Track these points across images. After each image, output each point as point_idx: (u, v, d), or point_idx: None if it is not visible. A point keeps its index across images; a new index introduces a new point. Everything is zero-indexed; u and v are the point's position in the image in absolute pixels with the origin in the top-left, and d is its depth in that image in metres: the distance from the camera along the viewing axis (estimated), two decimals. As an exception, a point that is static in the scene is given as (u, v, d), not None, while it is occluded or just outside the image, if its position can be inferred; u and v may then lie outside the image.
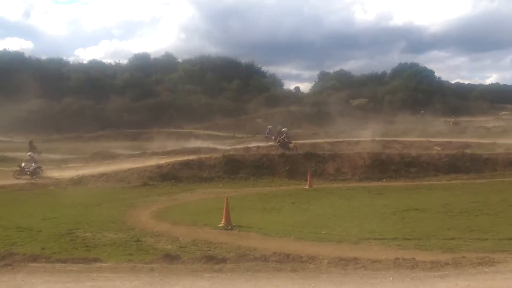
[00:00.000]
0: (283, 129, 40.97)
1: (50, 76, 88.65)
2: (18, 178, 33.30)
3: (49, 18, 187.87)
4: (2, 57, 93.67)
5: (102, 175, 33.12)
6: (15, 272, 12.54)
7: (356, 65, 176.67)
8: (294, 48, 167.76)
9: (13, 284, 11.49)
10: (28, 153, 37.04)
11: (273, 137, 44.77)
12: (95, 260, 13.70)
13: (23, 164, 34.95)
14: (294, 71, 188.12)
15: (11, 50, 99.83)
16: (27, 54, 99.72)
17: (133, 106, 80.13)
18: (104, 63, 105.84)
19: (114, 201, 25.55)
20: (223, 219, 19.15)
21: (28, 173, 34.50)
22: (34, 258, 13.77)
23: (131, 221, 20.63)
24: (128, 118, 74.50)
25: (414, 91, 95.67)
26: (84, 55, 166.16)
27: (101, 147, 50.23)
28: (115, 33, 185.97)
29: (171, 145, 49.41)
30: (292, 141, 39.86)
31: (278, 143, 39.10)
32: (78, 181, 31.72)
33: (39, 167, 35.45)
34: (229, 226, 18.95)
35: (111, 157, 43.12)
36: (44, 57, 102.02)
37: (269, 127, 49.83)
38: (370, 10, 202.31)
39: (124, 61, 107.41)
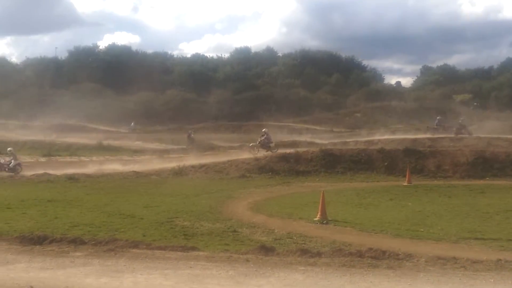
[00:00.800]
0: (263, 129, 39.43)
1: (155, 70, 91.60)
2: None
3: (155, 12, 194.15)
4: (111, 51, 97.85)
5: (201, 166, 33.89)
6: (118, 257, 13.12)
7: (461, 59, 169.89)
8: (397, 41, 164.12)
9: (115, 269, 12.04)
10: (8, 149, 33.63)
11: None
12: (193, 248, 14.08)
13: (1, 161, 32.73)
14: (395, 66, 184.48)
15: (120, 44, 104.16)
16: (134, 48, 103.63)
17: (233, 99, 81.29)
18: (206, 57, 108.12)
19: (212, 192, 26.05)
20: (319, 213, 19.08)
21: (7, 169, 32.24)
22: (136, 244, 14.35)
23: (228, 212, 20.97)
24: (229, 111, 75.71)
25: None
26: (187, 49, 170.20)
27: (202, 139, 51.37)
28: (218, 27, 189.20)
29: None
30: (272, 141, 38.43)
31: (259, 143, 37.81)
32: (178, 172, 32.60)
33: (18, 164, 32.89)
34: (324, 220, 18.86)
35: (211, 148, 44.06)
36: (150, 51, 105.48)
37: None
38: (478, 3, 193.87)
39: (226, 55, 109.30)
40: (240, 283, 11.15)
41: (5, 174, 31.51)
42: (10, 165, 32.15)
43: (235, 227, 17.92)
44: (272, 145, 37.20)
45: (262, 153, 35.99)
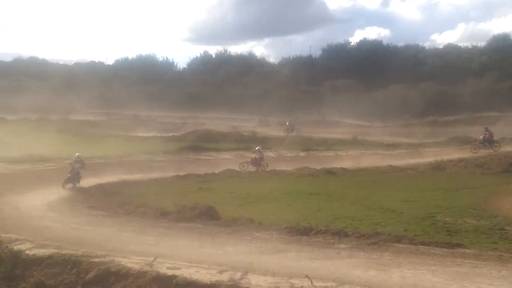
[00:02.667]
0: (257, 147, 33.89)
1: (407, 63, 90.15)
2: None
3: (405, 5, 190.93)
4: (362, 46, 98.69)
5: (460, 160, 32.73)
6: (382, 251, 13.25)
7: None
8: None
9: (381, 262, 12.18)
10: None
11: None
12: (459, 245, 13.65)
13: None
14: None
15: (370, 39, 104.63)
16: (384, 42, 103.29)
17: (491, 89, 76.58)
18: (460, 47, 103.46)
19: (473, 187, 24.97)
20: None
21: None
22: (399, 239, 14.33)
23: (493, 208, 19.93)
24: (487, 102, 71.46)
25: None
26: (440, 39, 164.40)
27: (457, 132, 49.33)
28: (472, 15, 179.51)
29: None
30: (265, 159, 32.63)
31: (250, 161, 32.35)
32: (436, 166, 31.79)
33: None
34: None
35: (469, 142, 42.05)
36: (400, 44, 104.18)
37: None
38: None
39: (482, 44, 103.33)
40: (515, 284, 10.54)
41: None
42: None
43: (502, 224, 17.00)
44: (263, 162, 32.49)
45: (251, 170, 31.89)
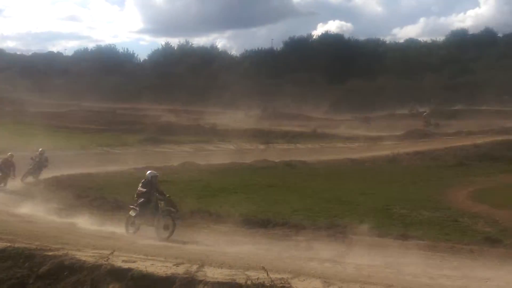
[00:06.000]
0: (40, 149, 24.42)
1: (368, 56, 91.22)
2: None
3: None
4: (324, 40, 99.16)
5: (416, 154, 33.20)
6: (338, 243, 13.45)
7: None
8: None
9: (337, 254, 12.37)
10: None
11: None
12: (413, 237, 13.91)
13: None
14: None
15: (333, 33, 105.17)
16: (346, 36, 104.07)
17: (448, 84, 77.99)
18: (420, 41, 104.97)
19: (428, 180, 25.41)
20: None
21: None
22: (355, 231, 14.56)
23: (447, 200, 20.36)
24: (443, 96, 72.71)
25: None
26: (400, 34, 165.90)
27: (414, 125, 50.01)
28: (434, 9, 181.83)
29: (488, 124, 46.87)
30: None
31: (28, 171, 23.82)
32: (393, 159, 32.23)
33: None
34: None
35: (426, 135, 42.77)
36: (362, 38, 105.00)
37: None
38: None
39: (441, 38, 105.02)
40: (465, 275, 10.77)
41: None
42: None
43: (456, 216, 17.37)
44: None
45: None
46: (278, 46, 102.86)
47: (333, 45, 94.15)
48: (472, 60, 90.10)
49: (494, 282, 10.27)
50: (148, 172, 15.95)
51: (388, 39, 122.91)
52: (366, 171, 29.19)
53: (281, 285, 9.50)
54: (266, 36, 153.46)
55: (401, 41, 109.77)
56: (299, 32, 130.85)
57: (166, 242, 13.13)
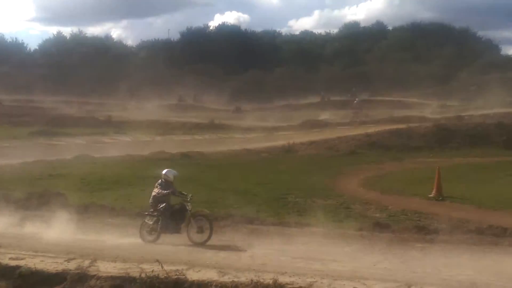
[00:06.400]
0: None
1: (264, 48, 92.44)
2: None
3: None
4: (221, 31, 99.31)
5: (311, 143, 33.89)
6: (234, 233, 13.54)
7: None
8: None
9: (232, 244, 12.47)
10: None
11: None
12: (307, 225, 14.23)
13: None
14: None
15: (230, 24, 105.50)
16: (243, 27, 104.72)
17: (341, 75, 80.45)
18: (315, 34, 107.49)
19: (323, 169, 26.04)
20: (434, 189, 18.66)
21: None
22: (250, 221, 14.74)
23: (340, 188, 20.94)
24: (338, 87, 74.92)
25: None
26: (296, 26, 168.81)
27: (310, 116, 51.15)
28: (328, 2, 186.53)
29: (379, 113, 48.83)
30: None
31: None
32: (288, 149, 32.78)
33: None
34: (440, 196, 18.42)
35: (320, 125, 43.87)
36: (259, 29, 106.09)
37: None
38: None
39: (335, 31, 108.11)
40: (356, 259, 11.16)
41: None
42: None
43: (348, 203, 17.90)
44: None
45: None
46: (176, 37, 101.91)
47: (230, 36, 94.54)
48: (364, 51, 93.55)
49: (382, 265, 10.71)
50: (166, 170, 14.28)
51: (284, 31, 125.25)
52: (262, 161, 29.51)
53: (175, 276, 9.48)
54: (163, 27, 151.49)
55: (297, 33, 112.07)
56: (196, 23, 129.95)
57: (57, 239, 12.65)
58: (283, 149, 33.01)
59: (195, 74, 77.03)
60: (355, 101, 52.08)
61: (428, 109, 52.85)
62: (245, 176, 24.02)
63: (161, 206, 13.45)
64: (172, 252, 11.63)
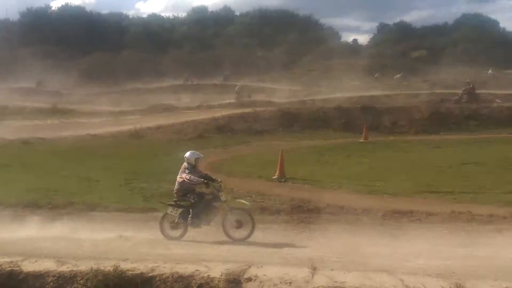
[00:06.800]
0: None
1: (110, 30, 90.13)
2: None
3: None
4: (64, 12, 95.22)
5: (158, 128, 33.59)
6: (75, 221, 13.11)
7: (419, 16, 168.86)
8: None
9: (72, 232, 12.07)
10: None
11: None
12: (152, 209, 14.13)
13: None
14: (353, 23, 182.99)
15: (73, 5, 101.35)
16: (88, 9, 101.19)
17: (189, 59, 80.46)
18: (163, 17, 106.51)
19: (170, 153, 25.87)
20: (277, 171, 19.23)
21: None
22: (93, 208, 14.40)
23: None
24: (186, 71, 74.91)
25: (475, 42, 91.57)
26: (144, 8, 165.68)
27: (159, 100, 50.62)
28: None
29: (227, 98, 49.41)
30: None
31: None
32: (135, 134, 32.24)
33: None
34: (283, 178, 19.04)
35: (168, 109, 43.56)
36: (105, 11, 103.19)
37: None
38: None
39: (183, 15, 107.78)
40: (200, 242, 11.24)
41: None
42: None
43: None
44: None
45: None
46: (15, 17, 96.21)
47: (75, 18, 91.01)
48: (212, 36, 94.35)
49: (224, 247, 10.90)
50: (189, 153, 12.76)
51: (131, 13, 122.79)
52: (108, 147, 28.77)
53: (9, 268, 8.97)
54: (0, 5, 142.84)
55: (145, 15, 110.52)
56: (38, 3, 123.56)
57: None
58: (130, 134, 32.38)
59: (38, 56, 73.19)
60: (237, 87, 52.33)
61: (274, 93, 54.26)
62: (89, 162, 23.24)
63: (190, 195, 12.11)
64: (8, 243, 10.97)
